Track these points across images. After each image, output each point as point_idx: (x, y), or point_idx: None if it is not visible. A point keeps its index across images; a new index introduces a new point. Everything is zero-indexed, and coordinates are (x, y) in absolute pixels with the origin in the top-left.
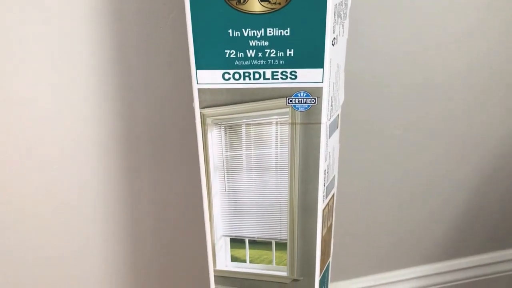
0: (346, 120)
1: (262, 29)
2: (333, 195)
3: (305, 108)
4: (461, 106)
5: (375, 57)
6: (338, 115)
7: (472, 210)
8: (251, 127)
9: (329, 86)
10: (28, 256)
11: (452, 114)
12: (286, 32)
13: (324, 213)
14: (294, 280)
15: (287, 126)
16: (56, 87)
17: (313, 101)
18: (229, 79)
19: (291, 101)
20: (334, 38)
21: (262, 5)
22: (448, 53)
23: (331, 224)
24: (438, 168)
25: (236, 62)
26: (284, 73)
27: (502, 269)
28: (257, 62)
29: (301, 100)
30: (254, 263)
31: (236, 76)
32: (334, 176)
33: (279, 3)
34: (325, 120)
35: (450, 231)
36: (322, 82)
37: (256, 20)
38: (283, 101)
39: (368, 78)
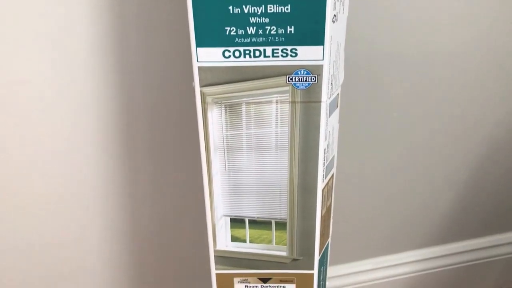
0: (345, 100)
1: (263, 6)
2: (332, 175)
3: (306, 86)
4: (459, 89)
5: (374, 38)
6: (338, 94)
7: (469, 194)
8: (251, 105)
9: (330, 64)
10: (26, 247)
11: (450, 97)
12: (287, 9)
13: (324, 193)
14: (294, 259)
15: (287, 104)
16: (54, 74)
17: (313, 79)
18: (229, 56)
19: (291, 79)
20: (334, 15)
21: None
22: (447, 32)
23: (330, 204)
24: (436, 151)
25: (237, 40)
26: (284, 50)
27: (498, 253)
28: (257, 40)
29: (301, 78)
30: (254, 243)
31: (236, 53)
32: (334, 156)
33: None
34: (325, 99)
35: (448, 215)
36: (323, 59)
37: None
38: (283, 79)
39: (367, 60)
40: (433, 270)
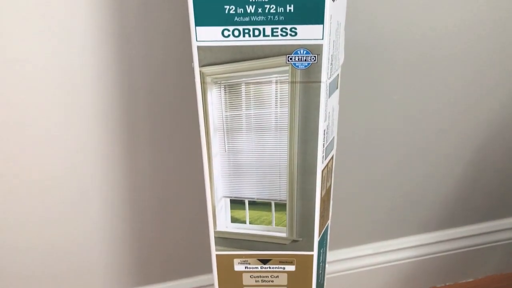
0: (345, 82)
1: None
2: (332, 157)
3: (305, 66)
4: (459, 70)
5: (375, 19)
6: (338, 75)
7: (470, 181)
8: (251, 86)
9: (329, 43)
10: (26, 224)
11: (450, 78)
12: None
13: (323, 174)
14: (294, 241)
15: (287, 85)
16: (54, 48)
17: (313, 58)
18: (228, 36)
19: (291, 59)
20: None
21: None
22: (448, 13)
23: (330, 186)
24: (437, 136)
25: (236, 18)
26: (284, 29)
27: (498, 239)
28: (256, 18)
29: (301, 58)
30: (254, 224)
31: (236, 33)
32: (334, 137)
33: None
34: (325, 79)
35: (449, 200)
36: (322, 39)
37: None
38: (283, 59)
39: (367, 41)
40: (433, 256)
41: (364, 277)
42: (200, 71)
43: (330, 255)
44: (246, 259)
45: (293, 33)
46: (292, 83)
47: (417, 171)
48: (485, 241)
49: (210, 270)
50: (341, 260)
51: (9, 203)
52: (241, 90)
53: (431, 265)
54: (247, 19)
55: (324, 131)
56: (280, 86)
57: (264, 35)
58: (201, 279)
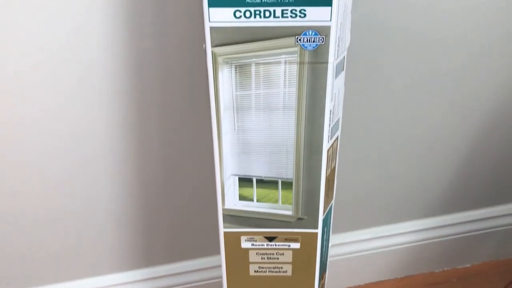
0: (351, 64)
1: None
2: (337, 138)
3: (313, 47)
4: (461, 51)
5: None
6: (344, 57)
7: (469, 167)
8: (261, 66)
9: (337, 25)
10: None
11: (452, 61)
12: None
13: (329, 154)
14: (299, 218)
15: (295, 65)
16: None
17: (321, 40)
18: (240, 17)
19: (299, 40)
20: None
21: None
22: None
23: (334, 166)
24: (438, 123)
25: (247, 0)
26: (293, 11)
27: (496, 224)
28: (267, 0)
29: (309, 39)
30: (261, 202)
31: (247, 14)
32: (339, 119)
33: None
34: (332, 60)
35: (447, 186)
36: (330, 20)
37: None
38: (292, 40)
39: (373, 23)
40: (431, 241)
41: (361, 261)
42: (212, 51)
43: (331, 239)
44: (253, 236)
45: (302, 15)
46: (301, 63)
47: (418, 158)
48: (482, 227)
49: (216, 252)
50: (340, 244)
51: (8, 173)
52: (251, 70)
53: (429, 251)
54: (258, 0)
55: (330, 111)
56: (289, 67)
57: (274, 17)
58: (207, 260)
